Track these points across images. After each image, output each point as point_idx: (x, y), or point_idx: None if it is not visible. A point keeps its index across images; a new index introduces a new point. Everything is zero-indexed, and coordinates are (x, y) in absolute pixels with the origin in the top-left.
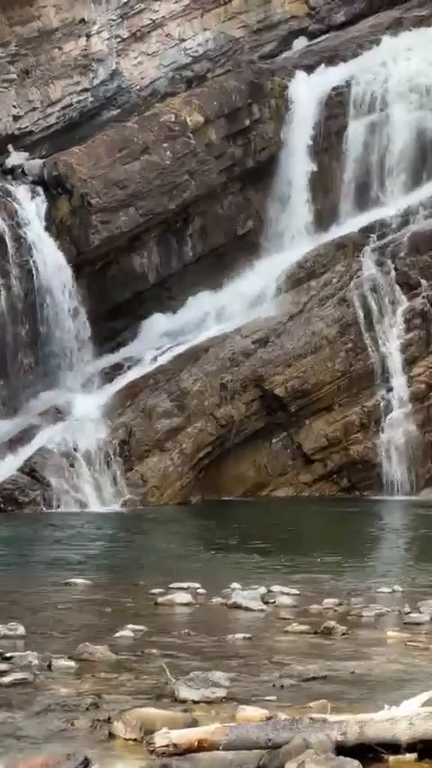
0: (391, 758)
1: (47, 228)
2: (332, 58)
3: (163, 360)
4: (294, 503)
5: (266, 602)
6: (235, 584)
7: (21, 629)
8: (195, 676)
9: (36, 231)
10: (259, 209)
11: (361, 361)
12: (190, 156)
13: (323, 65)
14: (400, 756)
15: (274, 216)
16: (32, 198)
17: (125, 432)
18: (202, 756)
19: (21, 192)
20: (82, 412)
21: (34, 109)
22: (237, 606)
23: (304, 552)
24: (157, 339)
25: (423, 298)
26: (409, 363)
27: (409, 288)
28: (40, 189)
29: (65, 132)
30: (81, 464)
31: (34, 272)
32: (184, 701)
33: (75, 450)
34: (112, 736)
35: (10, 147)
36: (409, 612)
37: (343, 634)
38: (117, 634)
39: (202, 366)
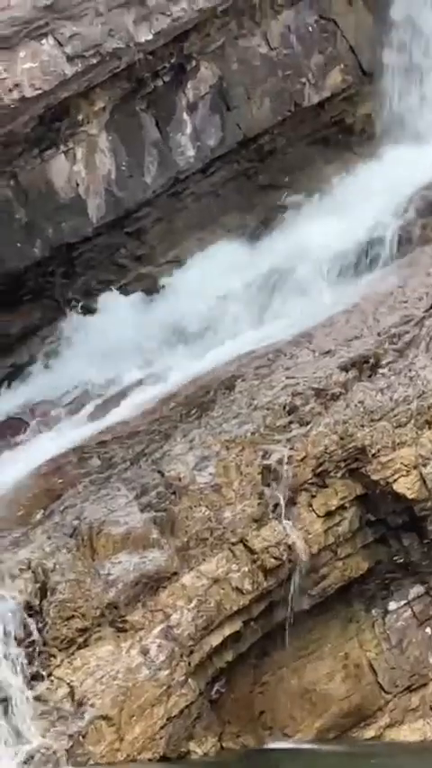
0: None
1: None
2: None
3: (123, 410)
4: None
5: None
6: None
7: None
8: None
9: None
10: (356, 38)
11: None
12: None
13: None
14: None
15: (393, 56)
16: None
17: (30, 585)
18: None
19: None
20: None
21: None
22: None
23: None
24: (107, 363)
25: None
26: None
27: None
28: None
29: None
30: None
31: None
32: None
33: None
34: None
35: None
36: None
37: None
38: None
39: (215, 423)
